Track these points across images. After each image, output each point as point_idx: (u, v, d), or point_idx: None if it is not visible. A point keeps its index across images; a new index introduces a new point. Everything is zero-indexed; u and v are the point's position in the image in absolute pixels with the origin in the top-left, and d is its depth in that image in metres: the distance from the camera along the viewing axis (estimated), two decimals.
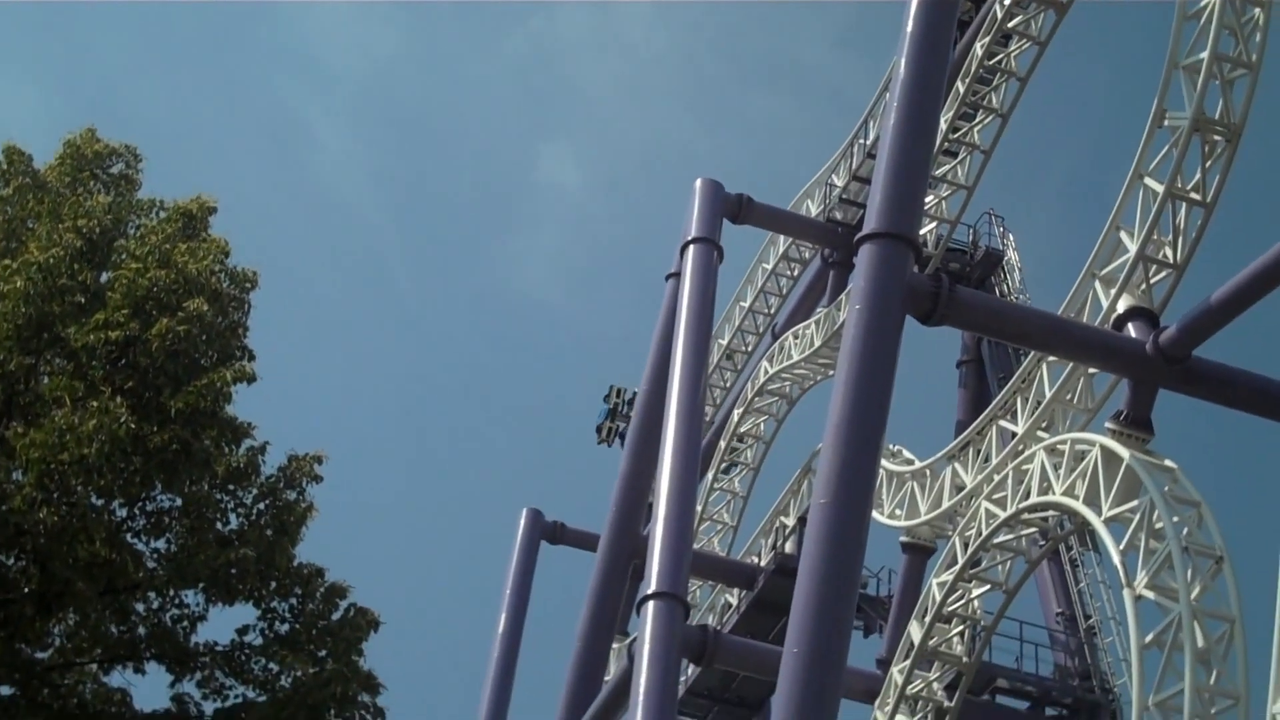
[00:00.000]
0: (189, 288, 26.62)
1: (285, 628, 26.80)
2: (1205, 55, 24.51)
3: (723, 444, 42.78)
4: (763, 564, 37.72)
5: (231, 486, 26.80)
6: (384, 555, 71.64)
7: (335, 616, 26.94)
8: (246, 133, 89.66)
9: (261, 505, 26.83)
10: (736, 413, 42.65)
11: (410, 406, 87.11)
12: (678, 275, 33.97)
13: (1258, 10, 24.74)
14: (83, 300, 26.53)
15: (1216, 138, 24.62)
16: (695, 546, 33.92)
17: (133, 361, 26.10)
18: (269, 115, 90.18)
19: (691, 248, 33.92)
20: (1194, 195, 24.68)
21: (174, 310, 26.31)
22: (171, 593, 26.91)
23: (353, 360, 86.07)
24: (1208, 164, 24.65)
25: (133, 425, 24.66)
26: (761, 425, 42.61)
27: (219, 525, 26.82)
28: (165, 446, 25.36)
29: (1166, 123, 25.10)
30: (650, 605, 26.86)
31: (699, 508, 38.74)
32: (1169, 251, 24.92)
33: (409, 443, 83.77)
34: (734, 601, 38.33)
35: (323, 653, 26.03)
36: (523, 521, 44.45)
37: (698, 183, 36.12)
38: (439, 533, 79.75)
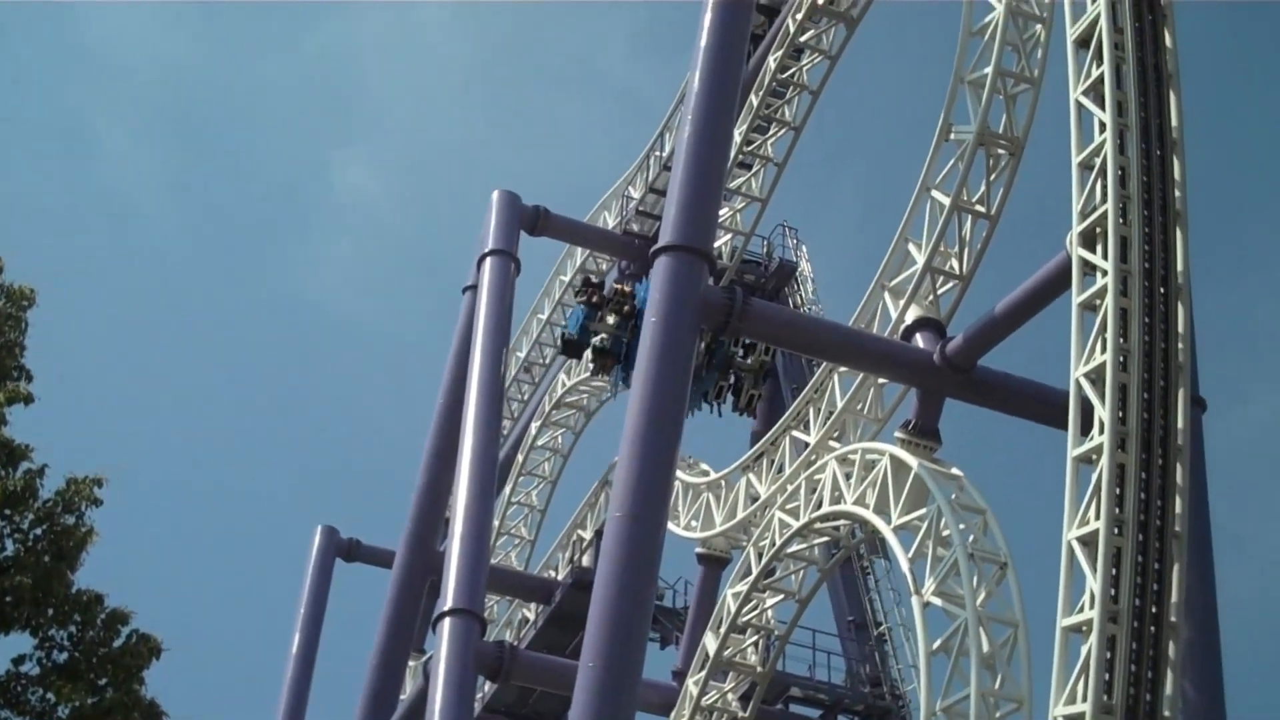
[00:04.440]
0: None
1: (64, 656, 25.80)
2: (989, 70, 25.06)
3: (520, 458, 42.58)
4: (560, 578, 37.62)
5: (8, 511, 25.70)
6: (172, 578, 69.86)
7: (117, 644, 26.06)
8: (25, 137, 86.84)
9: (39, 530, 25.84)
10: (534, 426, 42.52)
11: (200, 421, 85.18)
12: (474, 288, 33.79)
13: (1039, 27, 25.37)
14: None
15: (1000, 151, 25.18)
16: (492, 561, 33.71)
17: None
18: (50, 119, 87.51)
19: (488, 260, 33.76)
20: (979, 207, 25.21)
21: None
22: None
23: (141, 375, 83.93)
24: (992, 177, 25.21)
25: None
26: (559, 438, 42.53)
27: None
28: None
29: (953, 136, 25.60)
30: (446, 622, 26.64)
31: (496, 522, 38.48)
32: (955, 263, 25.42)
33: (199, 459, 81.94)
34: (531, 616, 38.15)
35: (103, 681, 25.12)
36: (317, 538, 43.82)
37: (495, 195, 35.96)
38: (231, 552, 78.17)
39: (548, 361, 45.00)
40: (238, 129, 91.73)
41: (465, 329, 33.40)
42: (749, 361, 29.11)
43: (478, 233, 35.25)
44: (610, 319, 29.54)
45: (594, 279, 34.12)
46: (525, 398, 45.19)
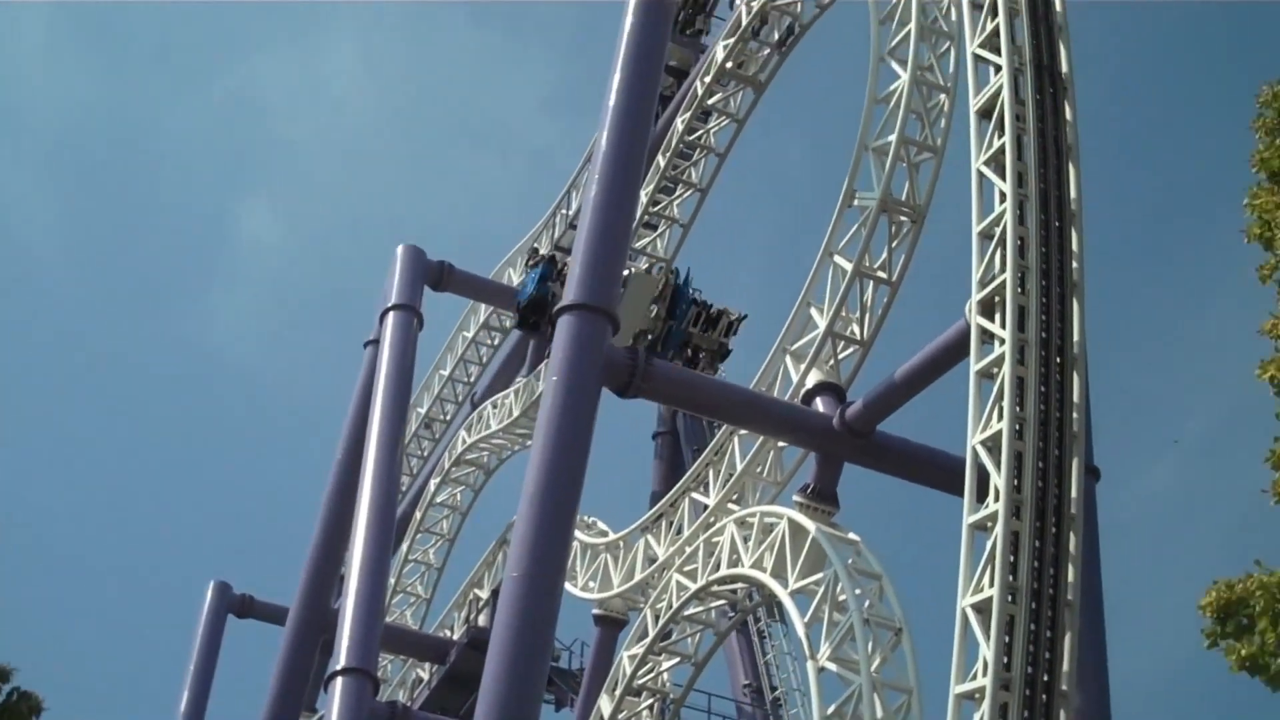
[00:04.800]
0: None
1: None
2: (893, 138, 25.31)
3: (418, 514, 42.21)
4: (455, 638, 37.25)
5: None
6: (57, 633, 68.29)
7: None
8: None
9: None
10: (433, 482, 42.19)
11: (91, 471, 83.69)
12: (376, 342, 33.58)
13: (943, 97, 25.70)
14: None
15: (902, 218, 25.40)
16: (387, 620, 33.30)
17: None
18: None
19: (391, 315, 33.59)
20: (880, 274, 25.38)
21: None
22: None
23: (31, 422, 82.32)
24: (894, 244, 25.41)
25: None
26: (458, 495, 42.22)
27: None
28: None
29: (856, 202, 25.81)
30: (339, 681, 26.23)
31: (392, 579, 38.00)
32: (856, 328, 25.55)
33: (89, 511, 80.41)
34: (426, 676, 37.72)
35: None
36: (209, 594, 43.07)
37: (399, 249, 35.83)
38: (119, 607, 76.51)
39: (449, 418, 44.76)
40: (141, 174, 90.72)
41: (366, 383, 33.14)
42: (711, 336, 30.30)
43: (381, 286, 35.07)
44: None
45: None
46: (425, 454, 44.89)
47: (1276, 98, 21.95)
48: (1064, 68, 23.10)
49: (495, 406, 39.73)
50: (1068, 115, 22.56)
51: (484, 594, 37.24)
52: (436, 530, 42.30)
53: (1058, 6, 23.81)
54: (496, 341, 44.14)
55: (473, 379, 44.56)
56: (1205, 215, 64.61)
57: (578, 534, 31.24)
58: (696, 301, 31.53)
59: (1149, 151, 71.92)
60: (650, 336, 30.93)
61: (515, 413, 38.21)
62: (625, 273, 30.07)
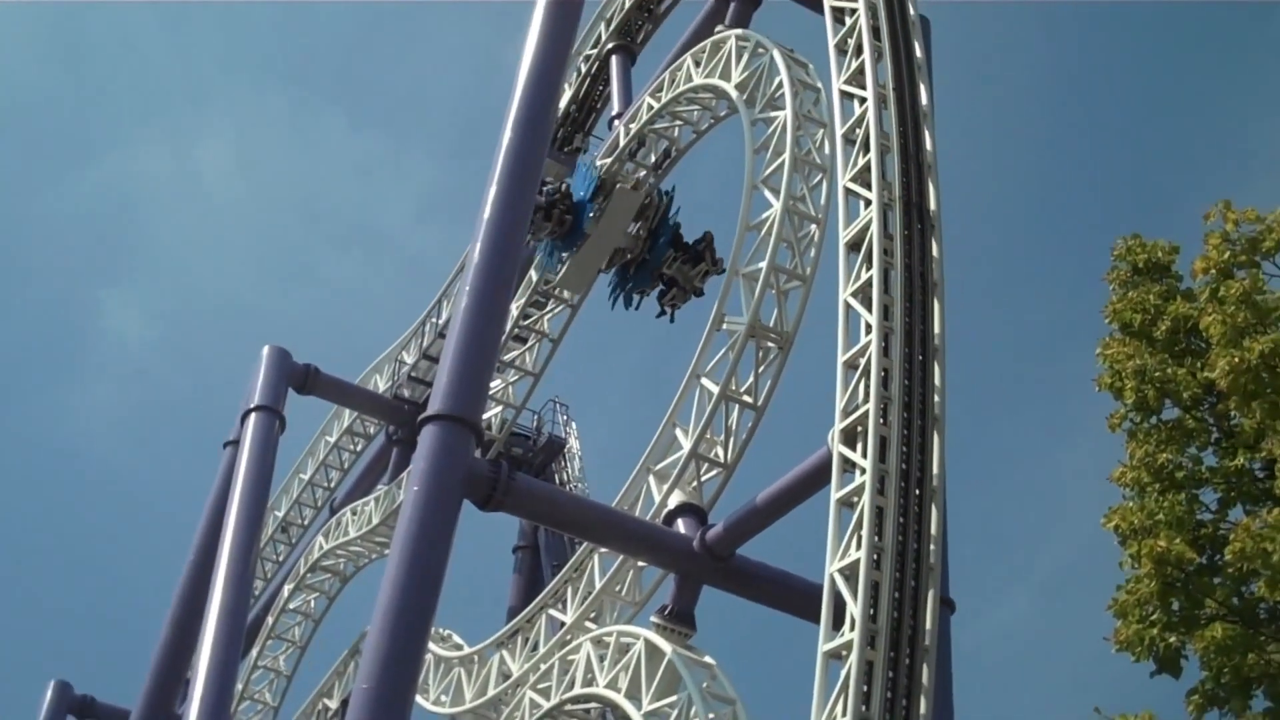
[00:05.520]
0: None
1: None
2: (764, 265, 25.64)
3: (270, 620, 41.42)
4: None
5: None
6: None
7: None
8: None
9: None
10: (287, 588, 41.46)
11: None
12: (236, 443, 33.16)
13: (814, 227, 26.13)
14: None
15: (770, 344, 25.67)
16: None
17: None
18: None
19: (253, 416, 33.25)
20: (746, 398, 25.58)
21: None
22: None
23: None
24: (760, 369, 25.64)
25: None
26: (312, 602, 41.48)
27: None
28: None
29: (725, 326, 26.05)
30: None
31: (240, 686, 37.21)
32: (720, 451, 25.68)
33: None
34: None
35: None
36: (48, 694, 41.89)
37: (265, 350, 35.56)
38: None
39: (306, 523, 44.15)
40: (1, 264, 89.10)
41: (223, 484, 32.69)
42: (689, 272, 29.92)
43: (246, 386, 34.69)
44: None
45: None
46: (280, 558, 44.15)
47: (1130, 251, 22.76)
48: (932, 205, 23.67)
49: (355, 513, 39.29)
50: (934, 252, 23.05)
51: (333, 704, 36.58)
52: (288, 637, 41.48)
53: (928, 146, 24.44)
54: (359, 447, 43.73)
55: (333, 484, 44.02)
56: (1062, 358, 66.20)
57: (431, 646, 30.81)
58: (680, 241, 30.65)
59: (1012, 293, 73.67)
60: (629, 256, 30.61)
61: (375, 520, 37.83)
62: (618, 186, 30.48)
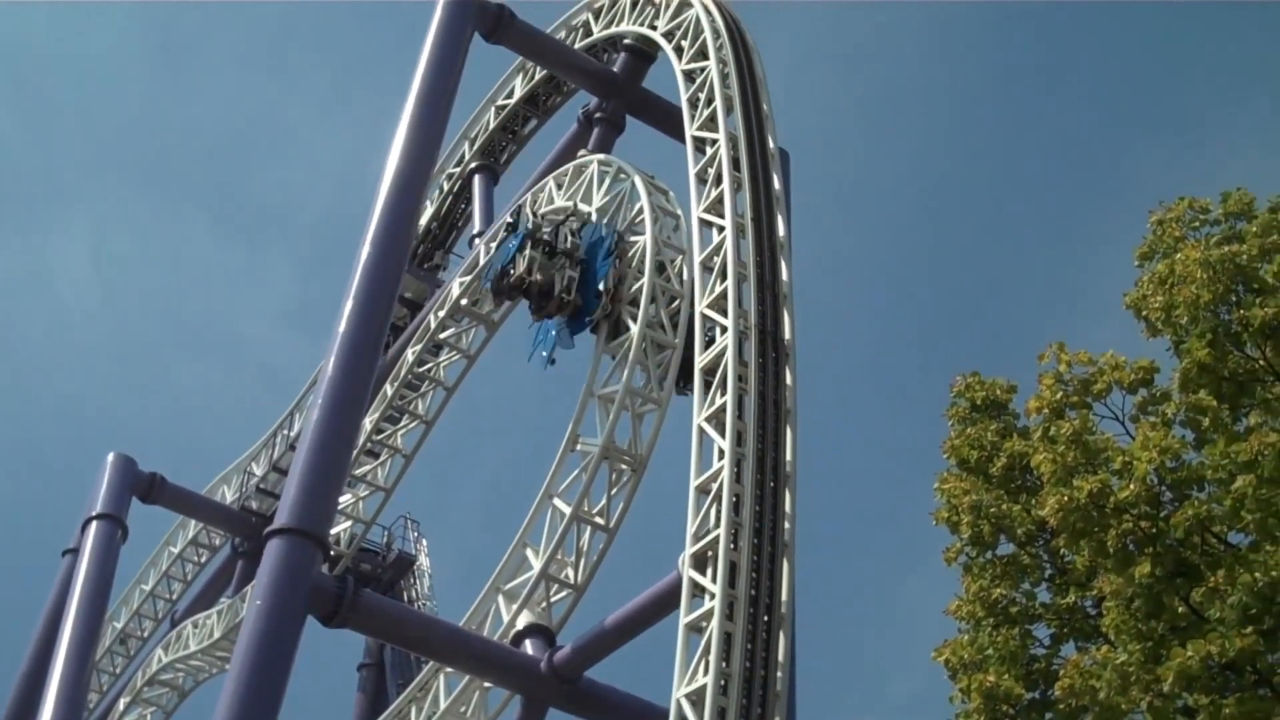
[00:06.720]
0: None
1: None
2: (620, 388, 25.74)
3: None
4: None
5: None
6: None
7: None
8: None
9: None
10: (123, 701, 40.44)
11: None
12: (76, 551, 32.47)
13: (671, 352, 26.31)
14: None
15: (623, 466, 25.71)
16: None
17: None
18: None
19: (94, 524, 32.66)
20: (598, 519, 25.55)
21: None
22: None
23: None
24: (613, 491, 25.64)
25: None
26: (148, 717, 40.49)
27: None
28: None
29: (579, 447, 26.06)
30: None
31: None
32: (571, 572, 25.58)
33: None
34: None
35: None
36: None
37: (110, 456, 35.00)
38: None
39: (146, 635, 43.10)
40: None
41: (60, 593, 31.98)
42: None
43: (88, 493, 34.03)
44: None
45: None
46: (118, 670, 43.01)
47: (969, 389, 23.17)
48: (787, 334, 24.04)
49: (196, 626, 38.51)
50: (788, 380, 23.38)
51: None
52: None
53: (784, 276, 24.85)
54: (204, 559, 42.89)
55: (175, 596, 43.08)
56: (912, 487, 67.08)
57: None
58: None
59: (866, 422, 74.63)
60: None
61: (216, 634, 37.09)
62: None
